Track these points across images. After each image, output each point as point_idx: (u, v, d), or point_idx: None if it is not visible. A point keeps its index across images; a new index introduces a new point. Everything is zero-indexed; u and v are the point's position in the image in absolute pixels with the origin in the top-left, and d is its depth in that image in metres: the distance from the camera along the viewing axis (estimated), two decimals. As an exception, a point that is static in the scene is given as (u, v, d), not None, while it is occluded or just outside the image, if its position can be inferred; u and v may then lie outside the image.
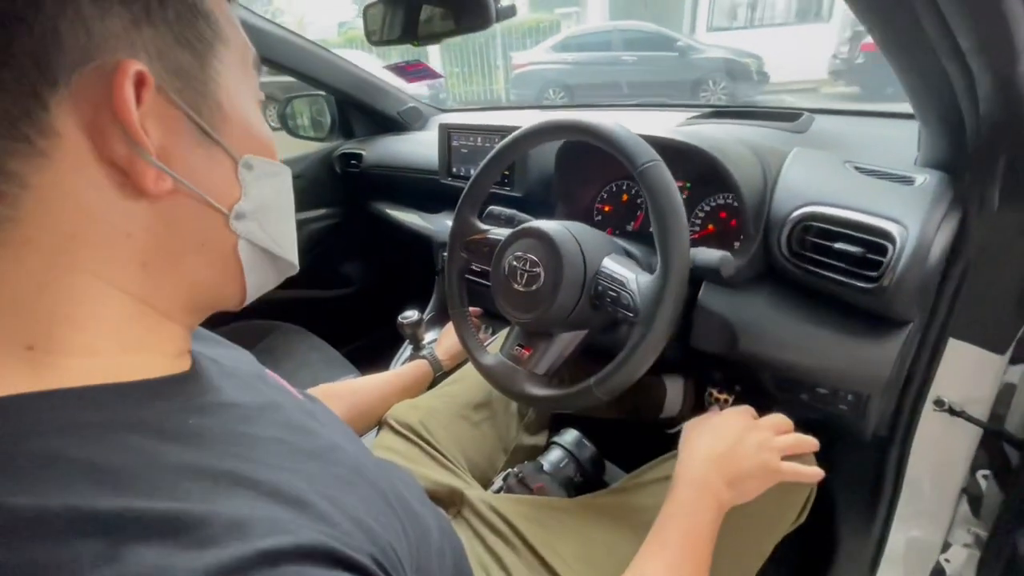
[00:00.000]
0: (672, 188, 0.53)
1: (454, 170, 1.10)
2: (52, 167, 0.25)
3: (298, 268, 0.40)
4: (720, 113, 1.00)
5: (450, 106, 1.58)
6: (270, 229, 0.35)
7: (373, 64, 0.87)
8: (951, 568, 0.83)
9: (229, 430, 0.29)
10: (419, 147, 1.33)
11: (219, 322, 0.51)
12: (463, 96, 9.12)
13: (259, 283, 0.37)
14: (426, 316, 1.21)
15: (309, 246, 1.44)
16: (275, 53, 1.23)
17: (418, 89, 1.53)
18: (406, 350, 1.08)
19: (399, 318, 0.95)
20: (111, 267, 0.27)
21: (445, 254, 1.13)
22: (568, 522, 0.58)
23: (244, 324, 1.16)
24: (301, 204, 1.51)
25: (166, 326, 0.31)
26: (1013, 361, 0.71)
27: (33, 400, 0.24)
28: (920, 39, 0.44)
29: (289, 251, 0.38)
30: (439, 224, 1.20)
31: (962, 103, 0.53)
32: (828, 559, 0.83)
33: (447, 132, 1.09)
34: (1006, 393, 0.73)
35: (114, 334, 0.28)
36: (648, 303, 0.54)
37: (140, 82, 0.26)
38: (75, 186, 0.26)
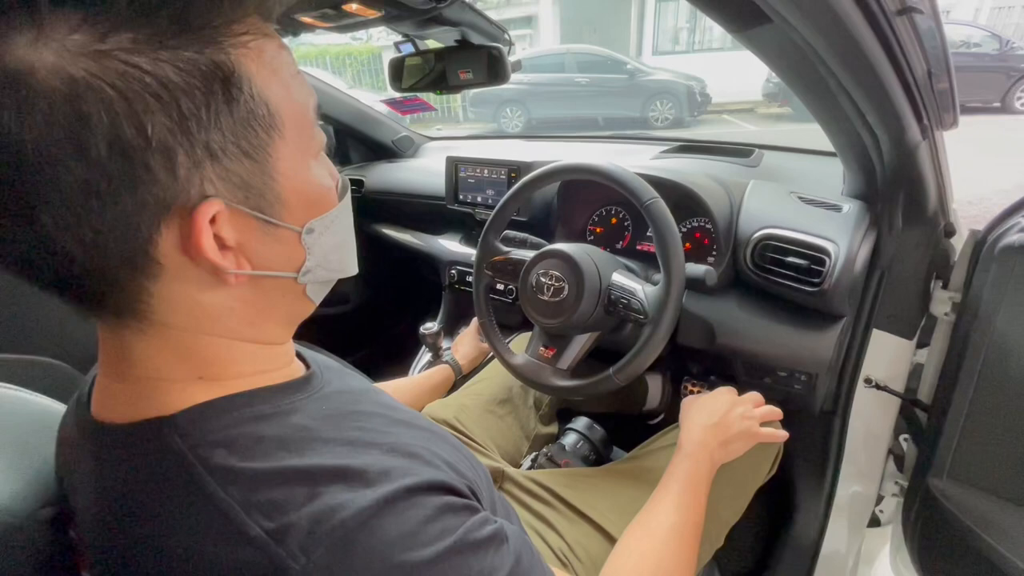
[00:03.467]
0: (671, 219, 0.70)
1: (461, 197, 1.24)
2: (162, 283, 0.31)
3: (357, 270, 0.45)
4: (686, 148, 1.19)
5: (408, 123, 1.70)
6: (332, 267, 0.41)
7: (327, 78, 0.96)
8: (884, 517, 1.03)
9: (347, 410, 0.40)
10: (417, 174, 1.46)
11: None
12: (422, 115, 9.22)
13: (323, 295, 0.45)
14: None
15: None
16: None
17: (375, 106, 1.66)
18: (423, 356, 1.19)
19: (421, 328, 1.07)
20: (229, 329, 0.37)
21: (453, 272, 1.26)
22: (597, 483, 0.73)
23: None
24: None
25: (277, 350, 0.41)
26: (920, 345, 0.92)
27: (226, 400, 0.35)
28: (842, 116, 0.63)
29: (350, 267, 0.43)
30: (442, 245, 1.33)
31: (872, 154, 0.72)
32: (790, 514, 1.00)
33: (455, 164, 1.23)
34: (916, 370, 0.93)
35: (249, 364, 0.38)
36: (656, 308, 0.70)
37: (214, 215, 0.30)
38: (183, 290, 0.32)
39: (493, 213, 0.88)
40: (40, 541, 0.41)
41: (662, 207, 0.70)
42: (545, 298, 0.77)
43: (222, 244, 0.32)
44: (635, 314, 0.72)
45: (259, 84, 0.31)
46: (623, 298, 0.74)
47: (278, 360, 0.41)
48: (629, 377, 0.71)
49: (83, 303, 0.32)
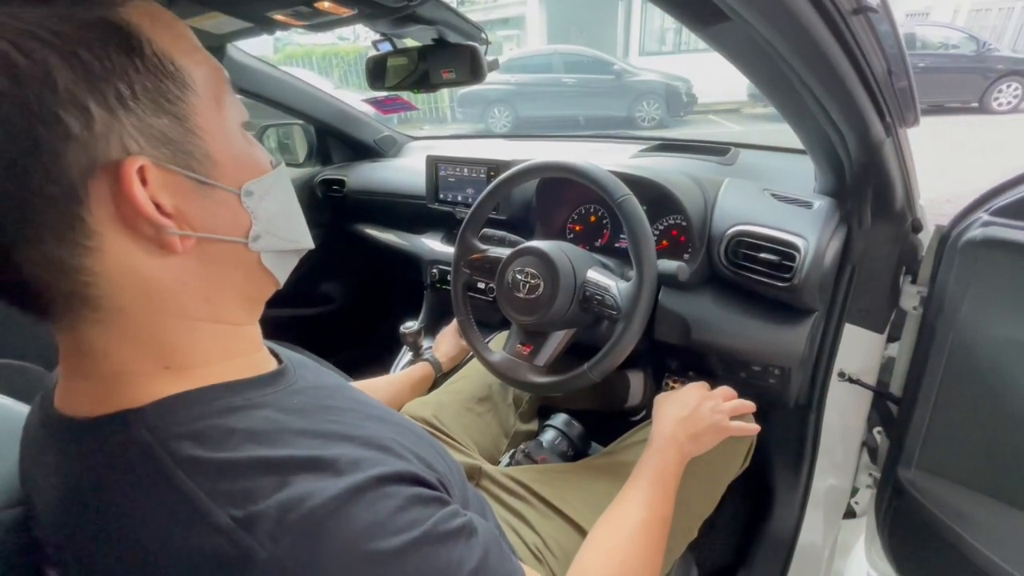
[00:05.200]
0: (643, 216, 0.70)
1: (441, 196, 1.24)
2: (105, 256, 0.31)
3: (313, 245, 0.45)
4: (664, 146, 1.20)
5: (395, 124, 1.70)
6: (283, 234, 0.40)
7: (313, 78, 0.96)
8: (859, 508, 1.05)
9: (320, 404, 0.40)
10: (399, 173, 1.46)
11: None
12: (409, 116, 9.21)
13: (286, 271, 0.43)
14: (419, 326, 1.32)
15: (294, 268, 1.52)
16: (262, 88, 1.32)
17: (362, 107, 1.65)
18: (404, 356, 1.19)
19: (401, 328, 1.07)
20: (184, 308, 0.36)
21: (435, 271, 1.27)
22: (572, 479, 0.73)
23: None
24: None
25: (240, 331, 0.41)
26: (891, 339, 0.94)
27: (196, 393, 0.35)
28: (808, 114, 0.64)
29: (303, 239, 0.43)
30: (424, 244, 1.33)
31: (840, 151, 0.73)
32: (769, 505, 1.02)
33: (435, 163, 1.23)
34: (888, 364, 0.95)
35: (214, 349, 0.38)
36: (628, 303, 0.70)
37: (141, 169, 0.30)
38: (129, 263, 0.32)
39: (470, 211, 0.88)
40: (3, 543, 0.41)
41: (634, 204, 0.71)
42: (521, 295, 0.78)
43: (162, 211, 0.32)
44: (608, 310, 0.73)
45: (160, 45, 0.32)
46: (597, 295, 0.74)
47: (244, 344, 0.41)
48: (604, 372, 0.72)
49: (28, 296, 0.31)
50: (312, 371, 0.47)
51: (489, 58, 0.93)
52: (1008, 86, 6.63)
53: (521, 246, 0.80)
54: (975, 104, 6.77)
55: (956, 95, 6.78)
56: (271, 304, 0.44)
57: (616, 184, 0.72)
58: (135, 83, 0.30)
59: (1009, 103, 6.66)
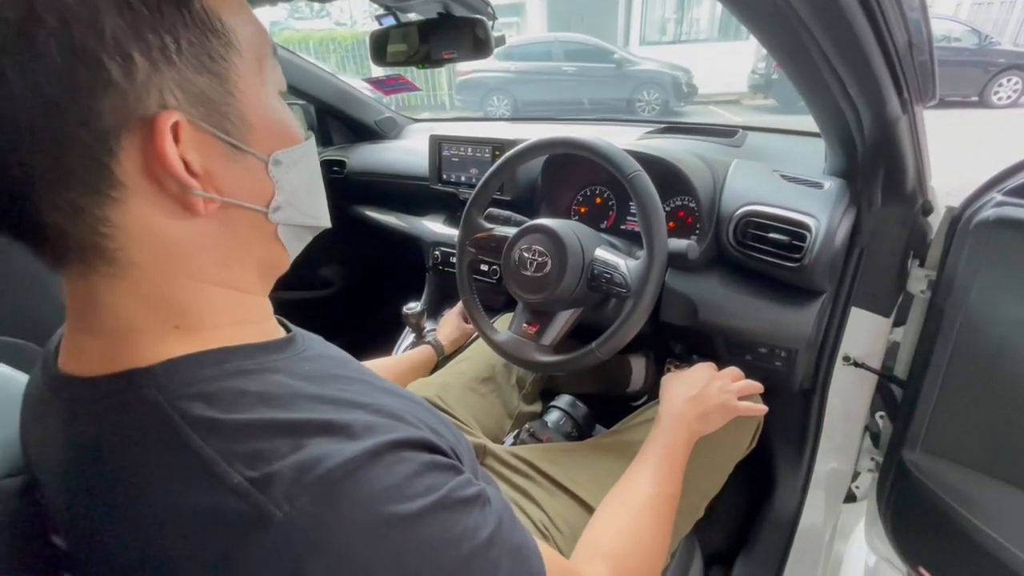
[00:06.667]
0: (654, 192, 0.69)
1: (444, 176, 1.22)
2: (128, 209, 0.30)
3: (330, 224, 0.44)
4: (671, 129, 1.19)
5: (395, 110, 1.68)
6: (304, 208, 0.40)
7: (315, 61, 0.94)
8: (860, 492, 1.05)
9: (330, 373, 0.39)
10: (401, 154, 1.44)
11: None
12: (409, 102, 9.14)
13: (298, 248, 0.42)
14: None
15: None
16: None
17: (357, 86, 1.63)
18: (407, 338, 1.18)
19: (404, 309, 1.06)
20: (201, 271, 0.35)
21: (437, 253, 1.25)
22: (578, 457, 0.73)
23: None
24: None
25: (252, 299, 0.40)
26: (896, 323, 0.93)
27: (206, 355, 0.34)
28: (824, 87, 0.63)
29: (322, 217, 0.43)
30: (426, 226, 1.31)
31: (853, 130, 0.72)
32: (771, 488, 1.02)
33: (438, 142, 1.21)
34: (893, 349, 0.95)
35: (226, 313, 0.37)
36: (638, 281, 0.69)
37: (175, 126, 0.30)
38: (150, 220, 0.31)
39: (476, 189, 0.86)
40: (7, 511, 0.40)
41: (645, 180, 0.70)
42: (528, 273, 0.77)
43: (189, 170, 0.31)
44: (617, 288, 0.72)
45: (210, 1, 0.31)
46: (606, 272, 0.73)
47: (256, 312, 0.40)
48: (612, 350, 0.71)
49: (44, 242, 0.30)
50: (318, 342, 0.46)
51: (496, 33, 0.91)
52: (1008, 80, 6.62)
53: (528, 224, 0.79)
54: (975, 98, 6.76)
55: (957, 89, 6.77)
56: (272, 287, 0.43)
57: (627, 160, 0.71)
58: (181, 37, 0.30)
59: (1009, 97, 6.66)
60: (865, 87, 0.60)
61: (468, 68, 8.06)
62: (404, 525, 0.30)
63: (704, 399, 0.68)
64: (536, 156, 0.82)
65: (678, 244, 0.76)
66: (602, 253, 0.76)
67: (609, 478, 0.63)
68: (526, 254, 0.77)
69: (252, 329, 0.39)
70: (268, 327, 0.41)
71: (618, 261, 0.73)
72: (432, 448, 0.36)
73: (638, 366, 1.23)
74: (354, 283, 1.70)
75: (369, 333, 1.41)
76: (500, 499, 0.39)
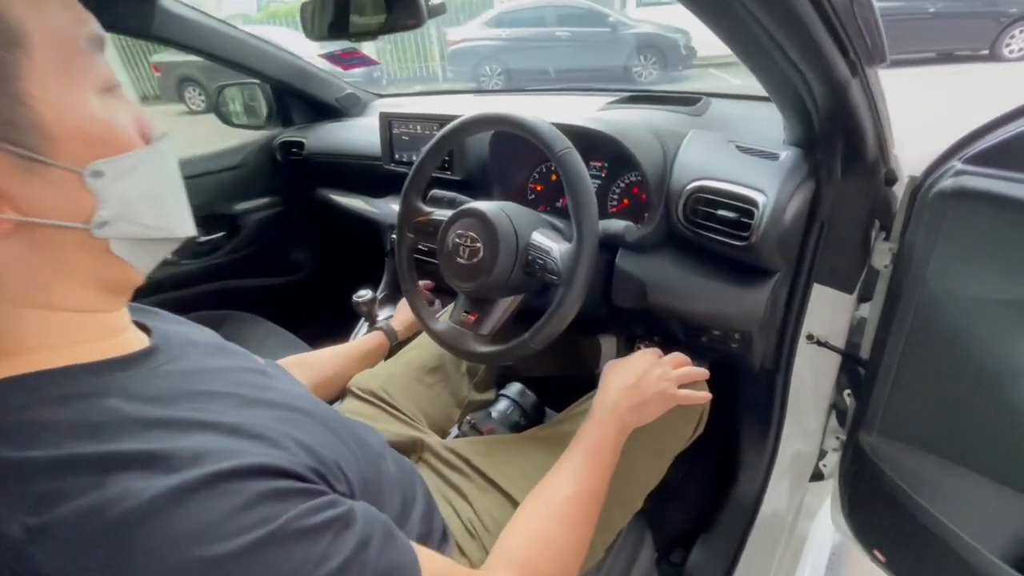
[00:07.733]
0: (582, 171, 0.65)
1: (396, 156, 1.17)
2: None
3: (194, 232, 0.40)
4: (635, 98, 1.12)
5: (384, 86, 1.60)
6: (144, 220, 0.36)
7: (302, 41, 0.88)
8: (827, 471, 1.03)
9: (187, 390, 0.36)
10: (360, 133, 1.38)
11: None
12: (398, 75, 8.91)
13: (151, 261, 0.38)
14: (379, 295, 1.28)
15: (256, 235, 1.46)
16: (207, 44, 1.23)
17: (315, 62, 1.55)
18: (362, 327, 1.15)
19: (354, 297, 1.02)
20: (15, 293, 0.32)
21: (395, 236, 1.21)
22: (513, 451, 0.70)
23: (197, 315, 1.19)
24: (244, 194, 1.51)
25: (91, 318, 0.36)
26: (861, 299, 0.89)
27: (15, 382, 0.30)
28: (761, 50, 0.57)
29: (177, 227, 0.38)
30: (385, 208, 1.27)
31: (804, 96, 0.66)
32: (733, 471, 1.00)
33: (388, 120, 1.15)
34: (860, 325, 0.91)
35: (52, 335, 0.34)
36: (568, 267, 0.65)
37: None
38: None
39: (411, 171, 0.82)
40: None
41: (575, 158, 0.65)
42: (461, 260, 0.73)
43: None
44: (549, 275, 0.68)
45: None
46: (539, 258, 0.69)
47: (96, 330, 0.37)
48: (545, 341, 0.67)
49: None
50: (200, 350, 0.43)
51: (433, 1, 0.85)
52: (1021, 31, 6.32)
53: (461, 208, 0.75)
54: (985, 52, 6.47)
55: (967, 42, 6.48)
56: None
57: (556, 137, 0.66)
58: None
59: (1021, 49, 6.37)
60: (806, 52, 0.55)
61: (459, 37, 7.82)
62: (211, 569, 0.27)
63: (642, 388, 0.65)
64: (469, 134, 0.77)
65: (615, 225, 0.71)
66: (538, 237, 0.72)
67: (540, 472, 0.60)
68: (458, 240, 0.73)
69: (91, 348, 0.35)
70: (118, 342, 0.38)
71: (551, 246, 0.69)
72: (279, 473, 0.33)
73: (608, 346, 1.20)
74: (319, 268, 1.67)
75: (332, 320, 1.38)
76: (375, 519, 0.37)
